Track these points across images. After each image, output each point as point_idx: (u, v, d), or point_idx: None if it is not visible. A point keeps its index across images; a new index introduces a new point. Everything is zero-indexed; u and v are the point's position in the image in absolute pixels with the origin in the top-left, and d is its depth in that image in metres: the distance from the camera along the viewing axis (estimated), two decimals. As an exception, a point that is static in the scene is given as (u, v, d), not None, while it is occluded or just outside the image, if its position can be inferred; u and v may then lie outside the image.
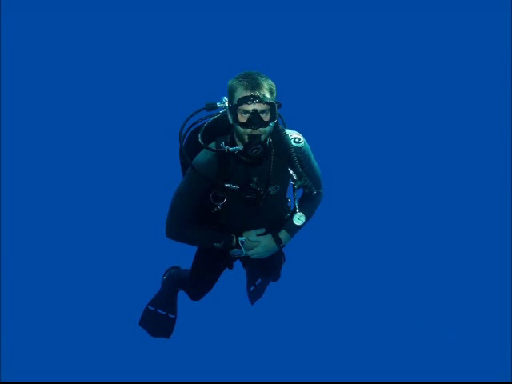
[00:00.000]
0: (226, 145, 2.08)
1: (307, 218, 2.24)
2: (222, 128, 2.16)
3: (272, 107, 1.96)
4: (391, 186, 4.03)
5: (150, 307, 2.86)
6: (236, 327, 3.14)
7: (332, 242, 3.74)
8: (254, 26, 4.10)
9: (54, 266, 3.52)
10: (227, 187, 2.10)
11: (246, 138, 1.99)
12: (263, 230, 2.32)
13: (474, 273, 3.51)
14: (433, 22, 4.13)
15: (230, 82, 2.02)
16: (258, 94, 1.93)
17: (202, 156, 2.12)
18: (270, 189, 2.19)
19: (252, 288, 3.15)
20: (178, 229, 2.24)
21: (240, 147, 2.02)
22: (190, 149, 2.19)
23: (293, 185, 2.17)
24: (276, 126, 2.08)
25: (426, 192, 4.06)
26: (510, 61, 4.00)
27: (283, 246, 2.33)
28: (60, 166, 3.97)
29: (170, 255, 2.97)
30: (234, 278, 2.87)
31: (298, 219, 2.20)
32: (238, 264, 2.57)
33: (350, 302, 3.31)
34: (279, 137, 2.12)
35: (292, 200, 2.31)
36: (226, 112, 2.11)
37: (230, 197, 2.16)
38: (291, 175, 2.14)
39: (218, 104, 2.14)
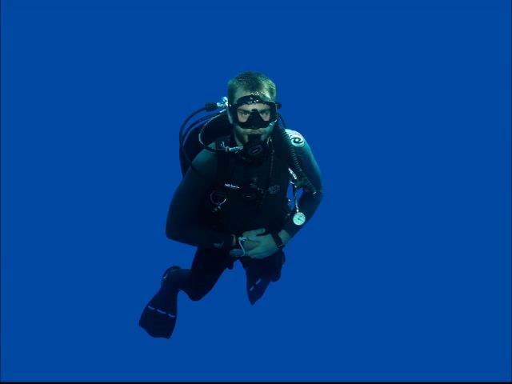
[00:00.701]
0: (226, 145, 2.08)
1: (307, 218, 2.24)
2: (222, 128, 2.16)
3: (272, 107, 1.96)
4: (391, 186, 4.03)
5: (149, 307, 2.87)
6: (236, 327, 3.13)
7: (332, 242, 3.74)
8: (254, 26, 4.09)
9: (54, 266, 3.51)
10: (227, 187, 2.11)
11: (246, 137, 1.99)
12: (263, 230, 2.32)
13: (474, 272, 3.51)
14: (432, 22, 4.12)
15: (229, 82, 2.02)
16: (257, 94, 1.94)
17: (202, 156, 2.13)
18: (270, 189, 2.19)
19: (252, 288, 3.15)
20: (178, 229, 2.24)
21: (240, 147, 2.02)
22: (190, 149, 2.19)
23: (293, 185, 2.17)
24: (276, 125, 2.08)
25: (426, 192, 4.05)
26: (510, 61, 4.00)
27: (283, 245, 2.33)
28: (60, 167, 3.96)
29: (170, 255, 2.97)
30: (234, 278, 2.87)
31: (298, 219, 2.21)
32: (238, 264, 2.57)
33: (350, 301, 3.30)
34: (279, 137, 2.12)
35: (292, 200, 2.31)
36: (226, 112, 2.11)
37: (230, 197, 2.16)
38: (291, 175, 2.15)
39: (218, 104, 2.14)
